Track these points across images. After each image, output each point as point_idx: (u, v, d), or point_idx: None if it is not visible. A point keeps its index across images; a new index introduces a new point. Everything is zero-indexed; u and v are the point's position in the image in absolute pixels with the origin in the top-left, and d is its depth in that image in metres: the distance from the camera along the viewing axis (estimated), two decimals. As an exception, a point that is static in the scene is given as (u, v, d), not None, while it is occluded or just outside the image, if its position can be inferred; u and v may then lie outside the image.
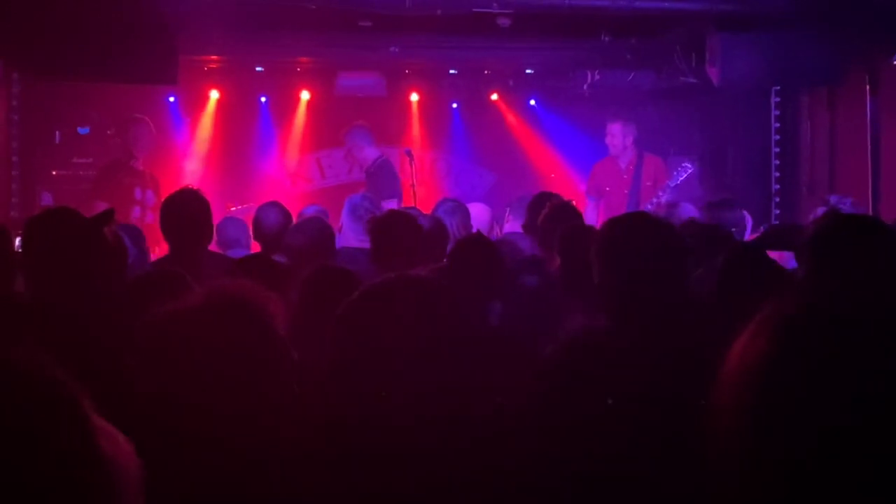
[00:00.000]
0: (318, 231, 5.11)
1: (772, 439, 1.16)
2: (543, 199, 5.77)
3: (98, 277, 3.10)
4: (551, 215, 5.09)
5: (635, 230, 2.86)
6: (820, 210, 6.40)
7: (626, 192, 9.16)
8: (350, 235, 5.88)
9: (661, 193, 8.71)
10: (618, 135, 9.20)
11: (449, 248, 5.13)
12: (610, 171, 9.31)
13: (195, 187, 5.25)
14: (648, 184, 9.07)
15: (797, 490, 1.14)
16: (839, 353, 1.15)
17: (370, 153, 9.48)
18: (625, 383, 2.48)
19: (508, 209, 6.95)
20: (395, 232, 4.57)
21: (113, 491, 1.14)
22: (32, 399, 1.11)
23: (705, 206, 6.41)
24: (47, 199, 9.17)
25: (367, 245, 5.68)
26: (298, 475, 1.85)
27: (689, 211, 7.25)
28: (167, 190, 8.55)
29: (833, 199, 6.73)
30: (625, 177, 9.22)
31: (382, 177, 9.24)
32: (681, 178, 8.65)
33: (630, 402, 2.45)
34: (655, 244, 2.78)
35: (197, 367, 1.84)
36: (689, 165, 8.73)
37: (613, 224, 2.95)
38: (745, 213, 6.82)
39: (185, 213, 4.59)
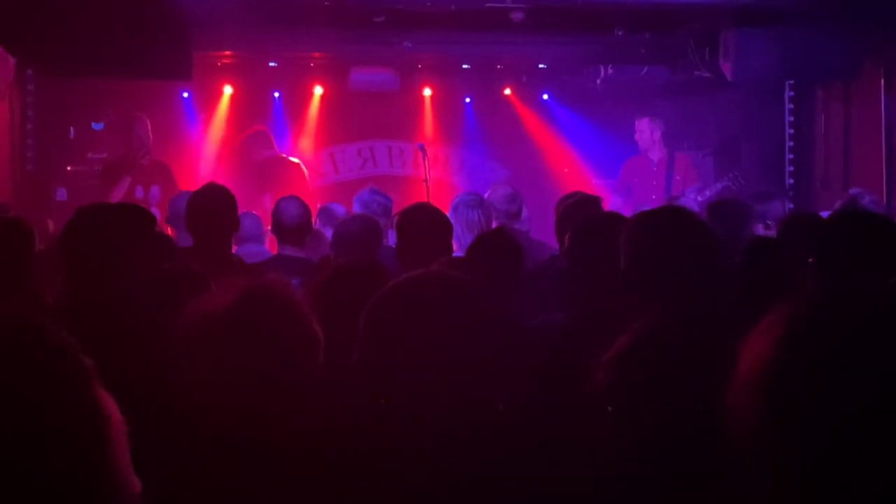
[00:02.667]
0: (370, 224, 5.15)
1: (783, 439, 1.16)
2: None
3: (139, 273, 3.14)
4: (566, 213, 5.06)
5: (667, 221, 2.86)
6: (838, 203, 6.37)
7: (653, 184, 9.20)
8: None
9: (689, 193, 8.75)
10: (645, 130, 9.34)
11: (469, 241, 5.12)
12: (640, 167, 9.42)
13: (219, 183, 5.25)
14: (678, 178, 9.16)
15: (810, 489, 1.15)
16: (845, 352, 1.15)
17: (268, 154, 9.97)
18: (676, 377, 2.49)
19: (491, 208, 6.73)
20: (426, 227, 4.50)
21: (105, 438, 1.21)
22: (38, 350, 1.19)
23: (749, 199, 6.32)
24: (62, 195, 9.21)
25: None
26: (324, 464, 1.87)
27: (691, 203, 7.24)
28: (182, 186, 8.60)
29: (854, 192, 6.68)
30: (654, 170, 9.29)
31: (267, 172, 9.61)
32: (718, 188, 8.70)
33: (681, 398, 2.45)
34: (686, 235, 2.78)
35: (240, 360, 1.88)
36: (730, 180, 8.79)
37: (645, 214, 2.96)
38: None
39: (211, 207, 4.59)
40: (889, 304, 1.20)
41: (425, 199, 8.51)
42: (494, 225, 6.20)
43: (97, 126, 9.94)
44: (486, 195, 6.49)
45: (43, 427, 1.15)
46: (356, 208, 6.14)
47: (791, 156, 9.37)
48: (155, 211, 8.61)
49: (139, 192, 8.85)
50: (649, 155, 9.42)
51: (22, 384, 1.16)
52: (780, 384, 1.18)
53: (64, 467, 1.15)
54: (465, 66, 10.77)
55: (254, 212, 6.29)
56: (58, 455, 1.15)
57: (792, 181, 9.34)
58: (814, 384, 1.15)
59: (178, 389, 2.00)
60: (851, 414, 1.12)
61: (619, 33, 8.39)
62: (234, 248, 6.02)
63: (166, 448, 1.87)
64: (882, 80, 8.29)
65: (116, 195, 8.40)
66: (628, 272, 2.82)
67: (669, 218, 2.94)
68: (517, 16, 7.80)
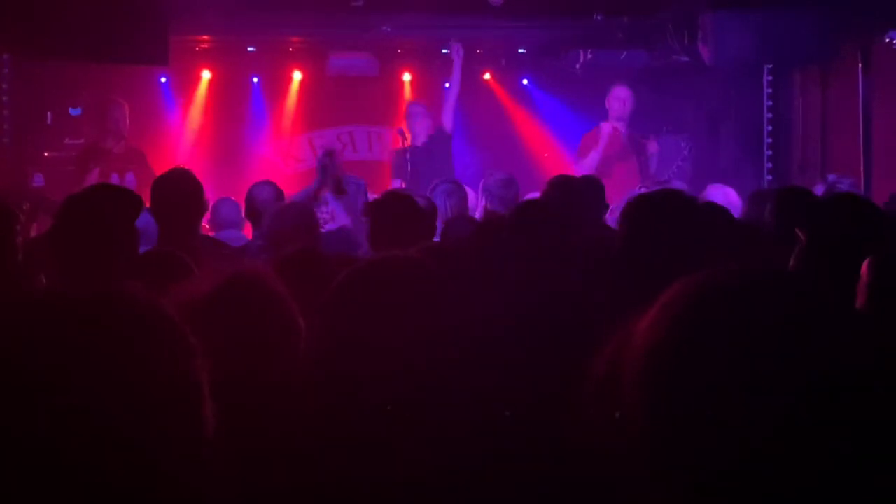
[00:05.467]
0: (299, 216, 4.96)
1: (660, 420, 1.14)
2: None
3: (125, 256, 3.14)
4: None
5: (665, 204, 2.85)
6: (819, 188, 6.39)
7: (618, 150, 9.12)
8: (341, 216, 5.86)
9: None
10: (624, 99, 9.17)
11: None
12: (596, 137, 9.34)
13: (186, 167, 5.19)
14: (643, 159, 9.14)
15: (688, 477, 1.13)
16: (728, 334, 1.12)
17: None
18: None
19: (484, 194, 6.67)
20: (394, 213, 4.48)
21: (203, 415, 1.24)
22: (151, 326, 1.21)
23: (750, 197, 6.25)
24: (39, 181, 9.15)
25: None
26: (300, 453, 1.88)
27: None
28: (159, 171, 8.55)
29: (832, 178, 6.70)
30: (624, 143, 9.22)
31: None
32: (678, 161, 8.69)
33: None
34: (684, 219, 2.77)
35: (220, 347, 1.89)
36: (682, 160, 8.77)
37: (643, 197, 2.94)
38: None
39: (176, 193, 4.47)
40: (770, 285, 1.17)
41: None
42: (482, 210, 6.21)
43: (75, 111, 9.87)
44: (482, 181, 6.47)
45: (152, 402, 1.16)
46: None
47: (769, 140, 9.41)
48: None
49: (114, 179, 8.79)
50: (617, 125, 9.25)
51: (140, 353, 1.17)
52: (661, 368, 1.15)
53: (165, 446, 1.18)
54: (444, 51, 10.74)
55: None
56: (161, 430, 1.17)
57: (770, 165, 9.37)
58: (694, 368, 1.12)
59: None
60: (732, 400, 1.09)
61: (598, 18, 8.41)
62: (212, 234, 6.02)
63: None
64: (859, 64, 8.33)
65: (88, 182, 8.34)
66: (629, 255, 2.79)
67: (672, 201, 2.91)
68: (496, 0, 7.81)
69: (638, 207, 2.91)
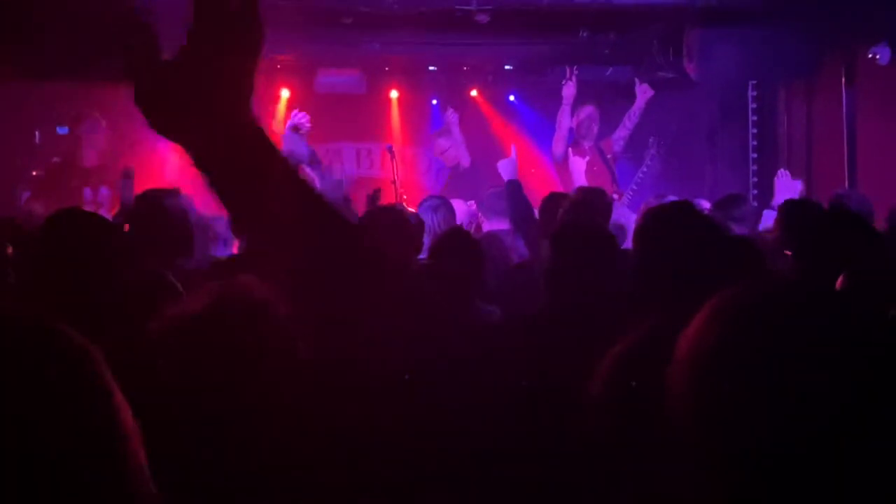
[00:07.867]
0: None
1: (709, 424, 1.18)
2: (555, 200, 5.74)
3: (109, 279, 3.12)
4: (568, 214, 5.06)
5: (680, 219, 2.86)
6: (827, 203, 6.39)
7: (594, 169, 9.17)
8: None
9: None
10: (593, 117, 9.23)
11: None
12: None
13: (173, 187, 5.09)
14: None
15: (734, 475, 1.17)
16: (775, 341, 1.16)
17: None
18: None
19: (481, 209, 6.74)
20: (385, 229, 4.49)
21: (121, 435, 1.15)
22: (42, 348, 1.12)
23: (714, 207, 6.29)
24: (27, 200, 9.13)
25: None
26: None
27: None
28: (148, 188, 8.52)
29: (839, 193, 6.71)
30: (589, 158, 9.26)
31: None
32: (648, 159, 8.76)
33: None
34: (698, 232, 2.78)
35: (212, 365, 1.89)
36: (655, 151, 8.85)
37: (657, 211, 2.96)
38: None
39: (145, 216, 4.19)
40: (817, 297, 1.22)
41: (394, 201, 8.54)
42: (485, 224, 6.27)
43: (62, 130, 9.85)
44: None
45: (63, 439, 1.08)
46: None
47: (755, 155, 9.47)
48: (104, 212, 8.51)
49: (87, 194, 8.72)
50: (583, 142, 9.29)
51: (42, 392, 1.08)
52: (708, 372, 1.18)
53: (84, 481, 1.09)
54: (431, 68, 10.79)
55: None
56: (77, 468, 1.09)
57: (756, 179, 9.44)
58: (740, 373, 1.16)
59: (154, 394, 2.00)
60: (776, 403, 1.13)
61: (584, 34, 8.46)
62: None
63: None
64: (843, 79, 8.41)
65: (58, 199, 8.28)
66: (646, 271, 2.79)
67: (680, 214, 2.92)
68: (482, 17, 7.85)
69: (653, 221, 2.92)
